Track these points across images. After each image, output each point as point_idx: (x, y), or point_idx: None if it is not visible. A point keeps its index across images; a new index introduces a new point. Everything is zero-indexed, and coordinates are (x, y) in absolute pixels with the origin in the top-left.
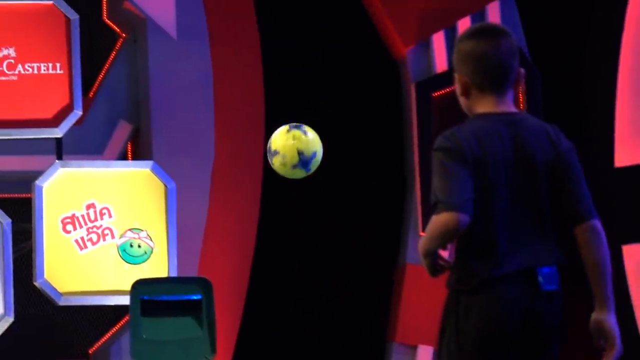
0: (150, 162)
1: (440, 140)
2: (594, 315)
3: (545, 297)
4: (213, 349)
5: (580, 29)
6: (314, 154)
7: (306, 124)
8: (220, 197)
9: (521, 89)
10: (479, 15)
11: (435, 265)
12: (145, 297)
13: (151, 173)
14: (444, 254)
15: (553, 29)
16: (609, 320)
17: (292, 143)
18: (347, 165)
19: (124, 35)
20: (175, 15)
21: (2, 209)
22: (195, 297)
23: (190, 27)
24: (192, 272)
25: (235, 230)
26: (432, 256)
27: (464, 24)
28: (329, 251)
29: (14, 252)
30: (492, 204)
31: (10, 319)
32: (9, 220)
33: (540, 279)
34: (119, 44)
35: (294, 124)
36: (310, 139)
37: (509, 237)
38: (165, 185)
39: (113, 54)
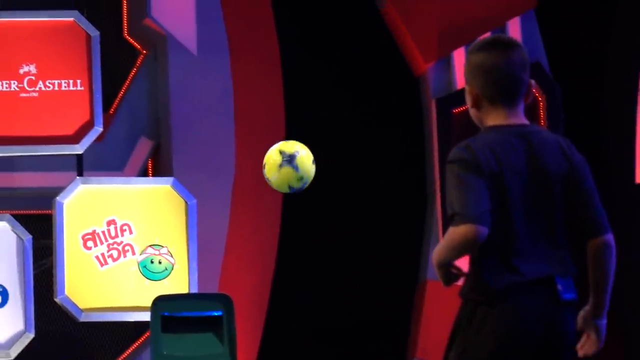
0: (170, 179)
1: (455, 152)
2: (587, 316)
3: (563, 306)
4: None
5: (600, 44)
6: (297, 152)
7: (326, 139)
8: (241, 212)
9: (541, 104)
10: (499, 31)
11: (449, 275)
12: (166, 314)
13: (172, 189)
14: (457, 262)
15: (573, 45)
16: (602, 324)
17: (275, 148)
18: (368, 181)
19: (144, 51)
20: (196, 31)
21: (22, 225)
22: (216, 314)
23: (211, 43)
24: (213, 288)
25: (256, 245)
26: (446, 266)
27: None
28: (349, 267)
29: (34, 269)
30: (508, 215)
31: (31, 335)
32: (30, 236)
33: (559, 287)
34: (139, 61)
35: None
36: (291, 142)
37: (525, 248)
38: (186, 202)
39: (134, 70)
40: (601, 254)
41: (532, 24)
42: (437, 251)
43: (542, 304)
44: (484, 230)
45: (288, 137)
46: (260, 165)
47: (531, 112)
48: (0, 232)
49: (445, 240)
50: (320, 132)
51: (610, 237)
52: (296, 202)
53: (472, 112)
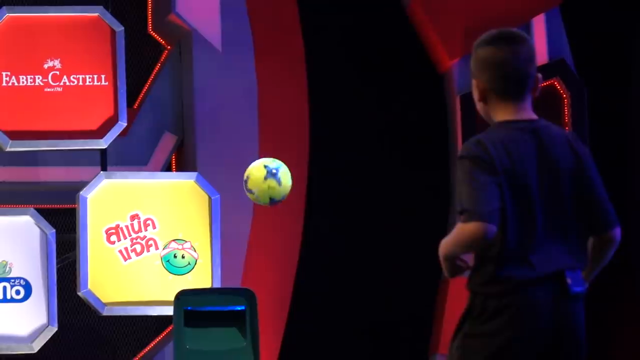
0: (194, 174)
1: (467, 148)
2: None
3: (573, 299)
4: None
5: (626, 41)
6: (280, 166)
7: (350, 135)
8: (264, 208)
9: (566, 101)
10: (524, 28)
11: (454, 267)
12: (189, 308)
13: (195, 184)
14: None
15: (599, 42)
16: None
17: (259, 163)
18: (392, 178)
19: (168, 47)
20: (221, 28)
21: (46, 219)
22: (239, 308)
23: (235, 39)
24: (236, 283)
25: (279, 241)
26: (452, 259)
27: None
28: (372, 263)
29: (58, 262)
30: (520, 210)
31: (54, 329)
32: (54, 230)
33: (569, 280)
34: (163, 56)
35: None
36: (273, 158)
37: (537, 242)
38: (210, 197)
39: (158, 65)
40: (605, 248)
41: (557, 21)
42: (444, 244)
43: (552, 297)
44: (493, 229)
45: (312, 134)
46: (283, 161)
47: (555, 109)
48: (24, 226)
49: (453, 235)
50: (344, 128)
51: (616, 232)
52: (320, 198)
53: (480, 106)
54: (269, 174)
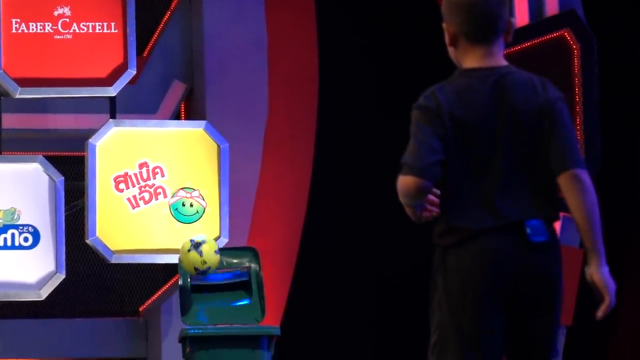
0: (203, 122)
1: (420, 99)
2: (587, 269)
3: (533, 249)
4: (262, 312)
5: None
6: (203, 241)
7: (359, 88)
8: (273, 157)
9: (576, 52)
10: None
11: (417, 213)
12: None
13: (204, 133)
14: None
15: None
16: (600, 272)
17: (187, 239)
18: (400, 130)
19: None
20: None
21: (55, 166)
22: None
23: None
24: (244, 232)
25: (287, 190)
26: (412, 207)
27: None
28: (380, 215)
29: (66, 210)
30: (475, 161)
31: (62, 276)
32: (62, 178)
33: (528, 230)
34: (173, 4)
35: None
36: (202, 234)
37: (496, 192)
38: (218, 145)
39: (168, 13)
40: (572, 188)
41: None
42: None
43: (509, 247)
44: (425, 184)
45: (321, 85)
46: (293, 112)
47: (565, 60)
48: (33, 173)
49: (397, 186)
50: (353, 80)
51: (581, 172)
52: (328, 149)
53: (450, 51)
54: (192, 247)
